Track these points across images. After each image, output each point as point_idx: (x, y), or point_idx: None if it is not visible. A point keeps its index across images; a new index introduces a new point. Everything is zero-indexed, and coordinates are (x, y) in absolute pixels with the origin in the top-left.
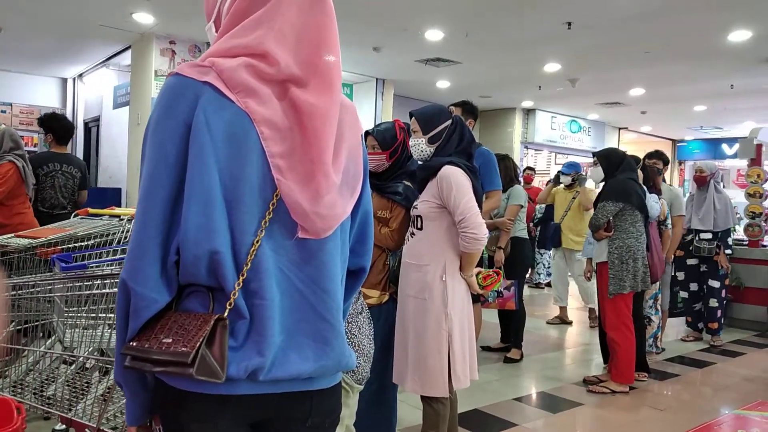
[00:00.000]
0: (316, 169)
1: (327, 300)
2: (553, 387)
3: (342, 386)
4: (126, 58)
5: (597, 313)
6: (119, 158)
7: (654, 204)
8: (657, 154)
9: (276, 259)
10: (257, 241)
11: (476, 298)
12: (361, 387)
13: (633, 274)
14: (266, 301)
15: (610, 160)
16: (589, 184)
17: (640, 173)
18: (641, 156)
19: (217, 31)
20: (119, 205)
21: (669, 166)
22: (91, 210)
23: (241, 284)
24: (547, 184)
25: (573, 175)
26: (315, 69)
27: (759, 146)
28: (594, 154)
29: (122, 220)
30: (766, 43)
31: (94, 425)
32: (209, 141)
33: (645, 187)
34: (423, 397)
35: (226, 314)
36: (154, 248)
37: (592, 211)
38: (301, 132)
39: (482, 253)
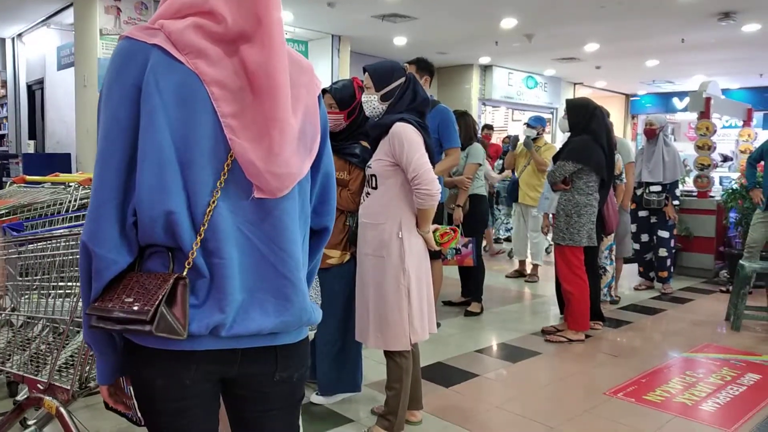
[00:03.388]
0: (271, 126)
1: (286, 258)
2: (513, 338)
3: None
4: (68, 17)
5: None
6: (66, 122)
7: (614, 161)
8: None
9: (233, 218)
10: (213, 202)
11: (437, 255)
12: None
13: (578, 229)
14: (225, 260)
15: (578, 115)
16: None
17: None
18: (619, 109)
19: None
20: (69, 172)
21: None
22: (27, 177)
23: (199, 244)
24: (503, 141)
25: (538, 129)
26: (259, 22)
27: (708, 99)
28: (566, 103)
29: (69, 187)
30: None
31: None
32: (160, 103)
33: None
34: (386, 352)
35: (185, 273)
36: (112, 210)
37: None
38: (252, 90)
39: (442, 211)
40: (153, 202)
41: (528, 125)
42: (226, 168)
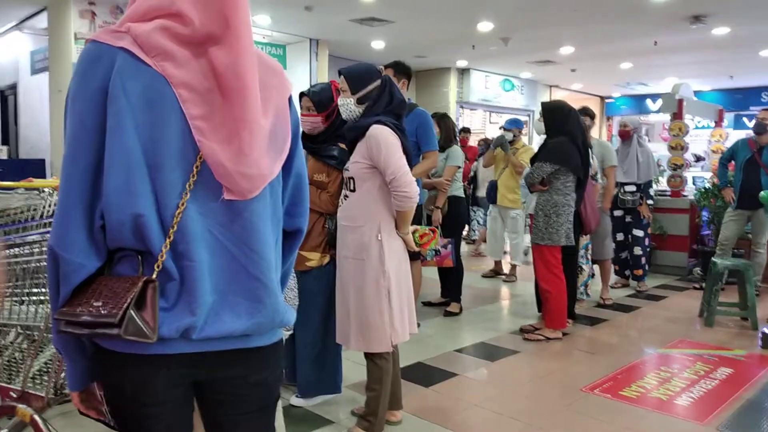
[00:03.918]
0: (240, 127)
1: (257, 260)
2: (491, 337)
3: None
4: (42, 21)
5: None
6: (40, 128)
7: (590, 161)
8: (584, 110)
9: (203, 220)
10: (182, 204)
11: (416, 256)
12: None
13: (556, 228)
14: (195, 263)
15: (554, 117)
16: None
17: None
18: (595, 110)
19: None
20: (43, 177)
21: (596, 120)
22: (1, 183)
23: (168, 246)
24: (479, 144)
25: (514, 131)
26: (227, 24)
27: (680, 101)
28: (542, 105)
29: (43, 192)
30: (686, 1)
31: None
32: (126, 106)
33: (588, 143)
34: (366, 354)
35: (154, 276)
36: (79, 214)
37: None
38: (221, 92)
39: (421, 212)
40: (121, 205)
41: (504, 128)
42: (195, 170)
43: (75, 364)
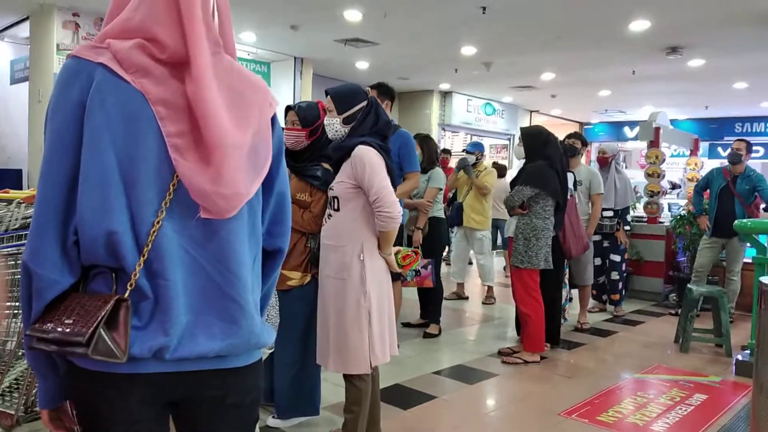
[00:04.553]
0: (216, 148)
1: (233, 280)
2: (470, 359)
3: None
4: (24, 30)
5: (493, 292)
6: (19, 137)
7: (569, 187)
8: (576, 135)
9: (179, 239)
10: (158, 222)
11: (396, 277)
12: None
13: (536, 252)
14: (169, 282)
15: (533, 142)
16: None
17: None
18: (562, 136)
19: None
20: (20, 188)
21: (587, 147)
22: None
23: (142, 265)
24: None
25: (477, 154)
26: (188, 55)
27: (657, 129)
28: (521, 131)
29: (10, 205)
30: (663, 32)
31: None
32: (104, 121)
33: (566, 168)
34: (345, 375)
35: (127, 295)
36: (53, 229)
37: (489, 196)
38: (197, 113)
39: (402, 233)
40: (94, 221)
41: (467, 151)
42: (171, 188)
43: (46, 381)
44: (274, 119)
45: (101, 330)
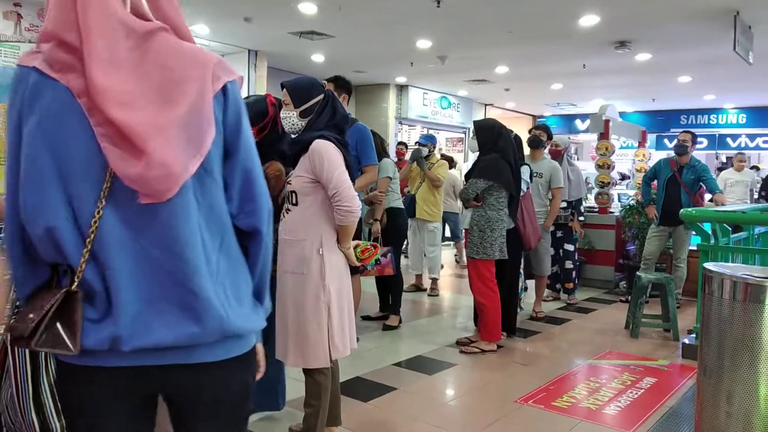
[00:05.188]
0: (133, 134)
1: (181, 265)
2: (429, 350)
3: None
4: None
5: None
6: None
7: (525, 179)
8: (543, 127)
9: (123, 227)
10: (98, 212)
11: (355, 270)
12: None
13: (491, 243)
14: (114, 271)
15: (486, 135)
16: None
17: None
18: (526, 129)
19: None
20: None
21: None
22: None
23: (86, 256)
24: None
25: (429, 146)
26: (89, 35)
27: (607, 121)
28: (474, 124)
29: None
30: (611, 27)
31: None
32: (35, 122)
33: (518, 160)
34: (305, 370)
35: (74, 287)
36: (16, 231)
37: (441, 188)
38: (96, 104)
39: (361, 226)
40: (35, 219)
41: (419, 143)
42: (108, 177)
43: None
44: (226, 91)
45: (49, 322)
